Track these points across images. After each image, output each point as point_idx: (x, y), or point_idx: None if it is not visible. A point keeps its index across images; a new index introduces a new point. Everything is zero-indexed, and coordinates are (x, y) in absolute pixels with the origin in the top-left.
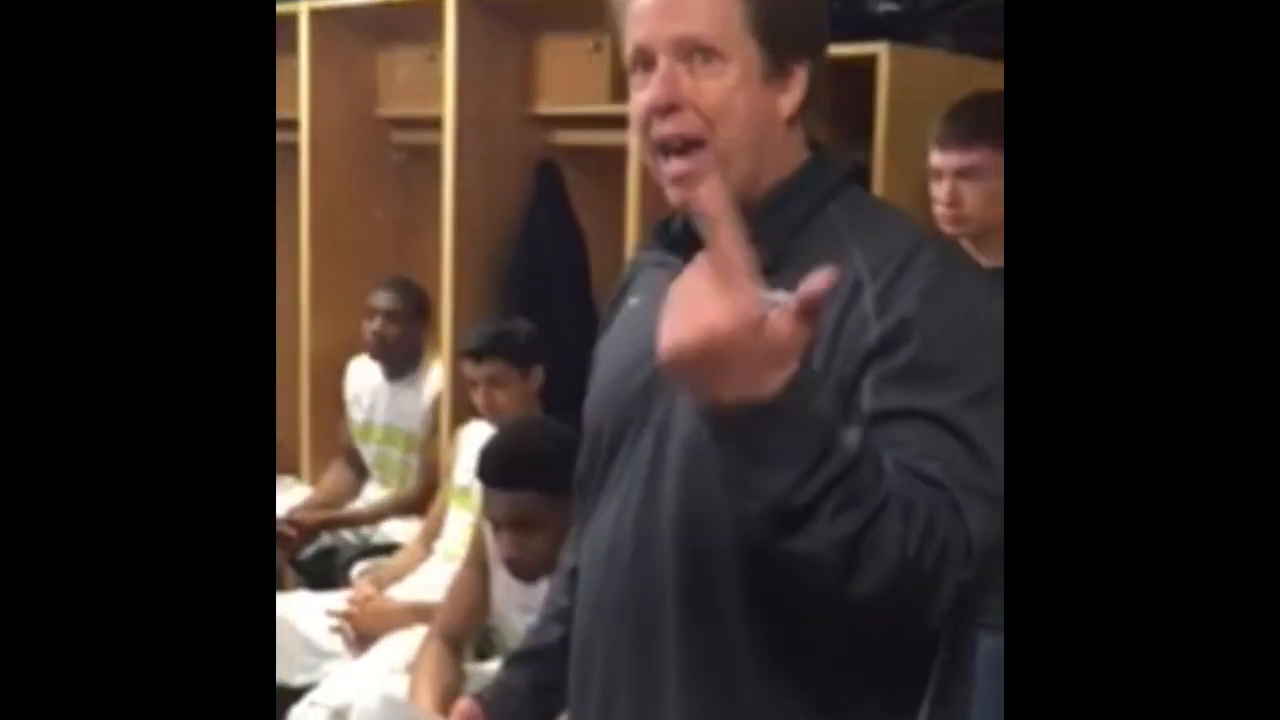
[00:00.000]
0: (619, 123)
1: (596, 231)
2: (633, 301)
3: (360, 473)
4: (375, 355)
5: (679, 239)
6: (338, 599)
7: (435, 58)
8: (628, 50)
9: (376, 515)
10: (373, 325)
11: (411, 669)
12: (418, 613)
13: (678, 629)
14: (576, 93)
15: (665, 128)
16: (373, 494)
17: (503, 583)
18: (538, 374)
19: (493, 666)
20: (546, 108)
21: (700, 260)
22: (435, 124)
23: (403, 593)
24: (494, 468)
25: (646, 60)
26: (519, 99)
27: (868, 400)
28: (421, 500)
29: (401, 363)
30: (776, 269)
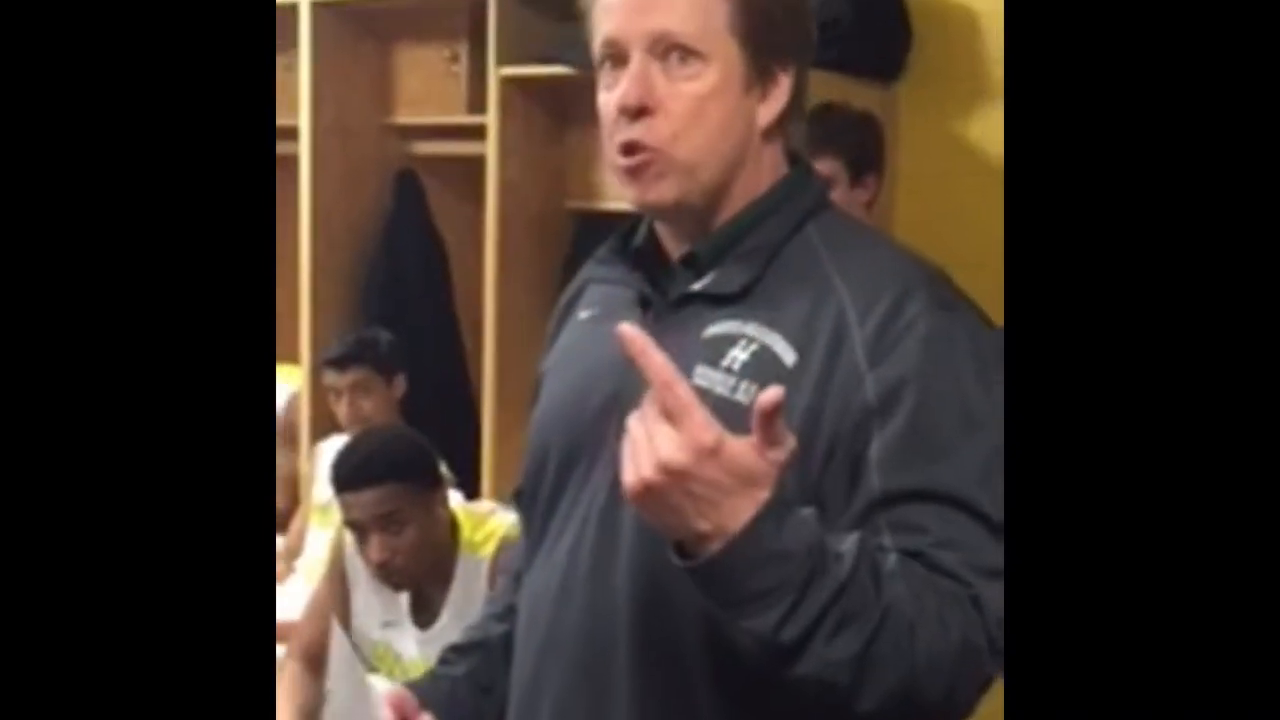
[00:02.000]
0: (477, 133)
1: (456, 241)
2: (583, 315)
3: None
4: None
5: (641, 255)
6: None
7: (291, 67)
8: (595, 43)
9: None
10: None
11: None
12: (277, 631)
13: (632, 676)
14: (435, 103)
15: (633, 132)
16: None
17: (364, 598)
18: (400, 382)
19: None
20: (404, 118)
21: (647, 395)
22: (292, 134)
23: None
24: (349, 470)
25: (617, 56)
26: (376, 109)
27: (877, 480)
28: (279, 517)
29: None
30: (751, 294)
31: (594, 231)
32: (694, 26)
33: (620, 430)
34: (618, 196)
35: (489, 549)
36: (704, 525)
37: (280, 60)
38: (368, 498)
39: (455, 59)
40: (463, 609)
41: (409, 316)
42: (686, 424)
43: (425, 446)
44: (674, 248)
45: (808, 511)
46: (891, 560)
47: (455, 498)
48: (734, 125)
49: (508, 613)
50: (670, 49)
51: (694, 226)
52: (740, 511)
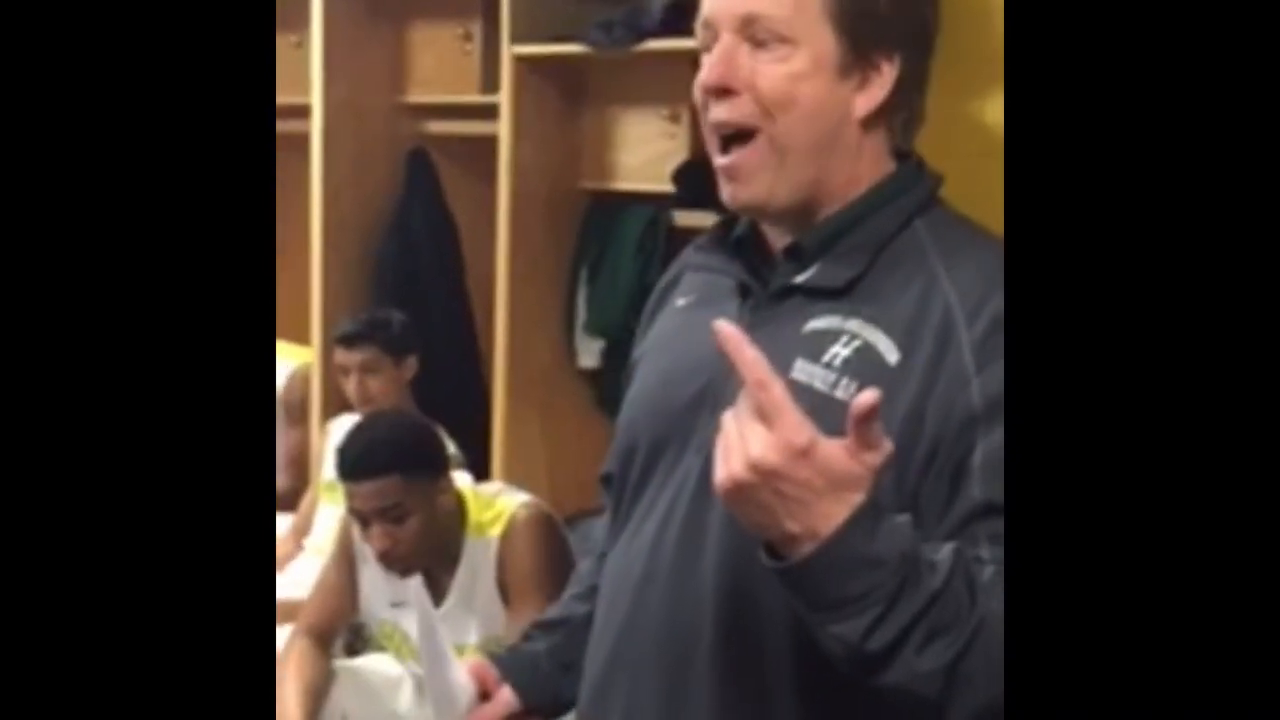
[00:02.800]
0: (490, 112)
1: (468, 221)
2: (680, 302)
3: None
4: None
5: (742, 245)
6: None
7: (302, 44)
8: (698, 23)
9: None
10: None
11: (278, 665)
12: (286, 610)
13: (712, 668)
14: (448, 82)
15: (719, 112)
16: None
17: (370, 578)
18: (411, 363)
19: (362, 663)
20: (417, 96)
21: (742, 393)
22: (303, 112)
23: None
24: (352, 460)
25: (711, 36)
26: (389, 87)
27: (978, 489)
28: (288, 495)
29: None
30: (855, 290)
31: (607, 212)
32: (784, 10)
33: (712, 421)
34: (631, 177)
35: (496, 530)
36: (794, 527)
37: (291, 38)
38: (369, 489)
39: (469, 37)
40: (470, 589)
41: (421, 296)
42: (779, 423)
43: (431, 433)
44: (776, 239)
45: (903, 518)
46: (989, 573)
47: (464, 478)
48: (825, 111)
49: (590, 593)
50: (760, 31)
51: (796, 220)
52: (832, 515)
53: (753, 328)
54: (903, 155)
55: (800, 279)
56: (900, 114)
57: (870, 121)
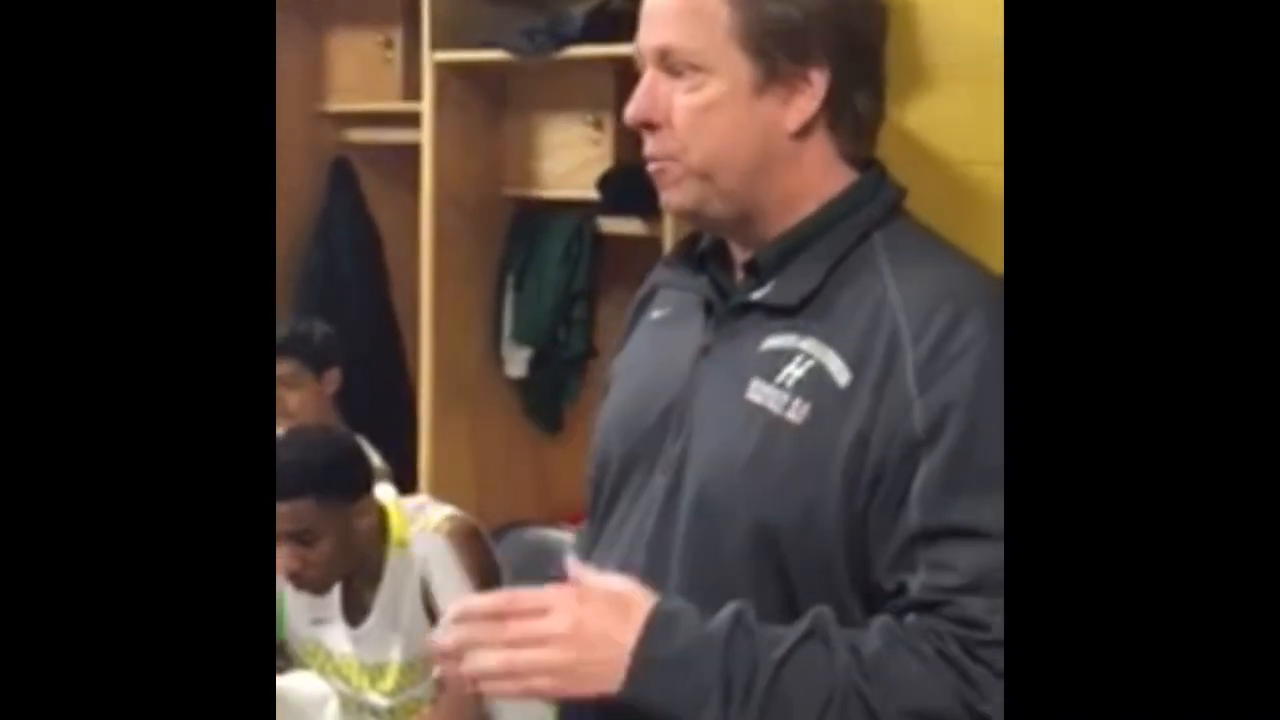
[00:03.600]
0: (412, 120)
1: (391, 230)
2: (655, 315)
3: None
4: None
5: (706, 259)
6: None
7: None
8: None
9: None
10: None
11: None
12: None
13: None
14: (369, 89)
15: (647, 145)
16: None
17: (290, 595)
18: (333, 377)
19: (285, 682)
20: (338, 105)
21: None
22: None
23: None
24: None
25: (641, 67)
26: (310, 96)
27: (915, 515)
28: None
29: None
30: (809, 307)
31: (533, 219)
32: (694, 41)
33: (675, 442)
34: (556, 184)
35: (420, 544)
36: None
37: None
38: (280, 511)
39: (389, 44)
40: (394, 606)
41: (344, 306)
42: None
43: (352, 452)
44: (739, 253)
45: (688, 611)
46: (876, 627)
47: (388, 491)
48: (745, 133)
49: None
50: (675, 63)
51: (744, 231)
52: (626, 641)
53: (714, 345)
54: (868, 164)
55: (757, 296)
56: (844, 121)
57: (806, 132)
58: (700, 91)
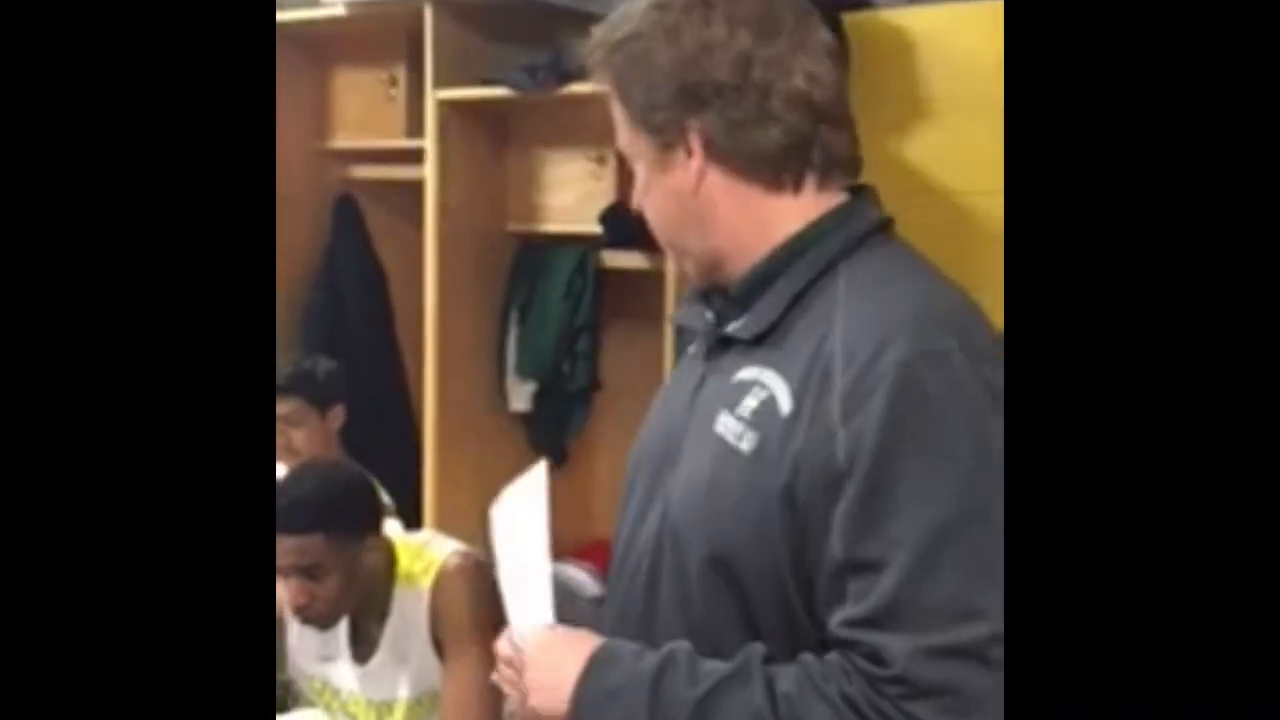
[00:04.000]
0: (416, 156)
1: (395, 266)
2: (690, 349)
3: None
4: None
5: (710, 296)
6: None
7: None
8: None
9: None
10: None
11: None
12: None
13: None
14: (373, 127)
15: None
16: None
17: (296, 632)
18: (338, 413)
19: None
20: (343, 142)
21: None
22: None
23: None
24: (278, 512)
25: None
26: (314, 133)
27: (837, 546)
28: None
29: None
30: (771, 339)
31: (536, 254)
32: (623, 137)
33: (669, 476)
34: (558, 219)
35: (428, 580)
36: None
37: None
38: (288, 545)
39: (393, 82)
40: (401, 642)
41: (349, 342)
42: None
43: (362, 488)
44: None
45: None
46: (794, 667)
47: (394, 527)
48: (670, 201)
49: None
50: (630, 159)
51: (730, 272)
52: (571, 677)
53: (706, 377)
54: (856, 190)
55: (731, 329)
56: (744, 160)
57: (711, 182)
58: (639, 179)
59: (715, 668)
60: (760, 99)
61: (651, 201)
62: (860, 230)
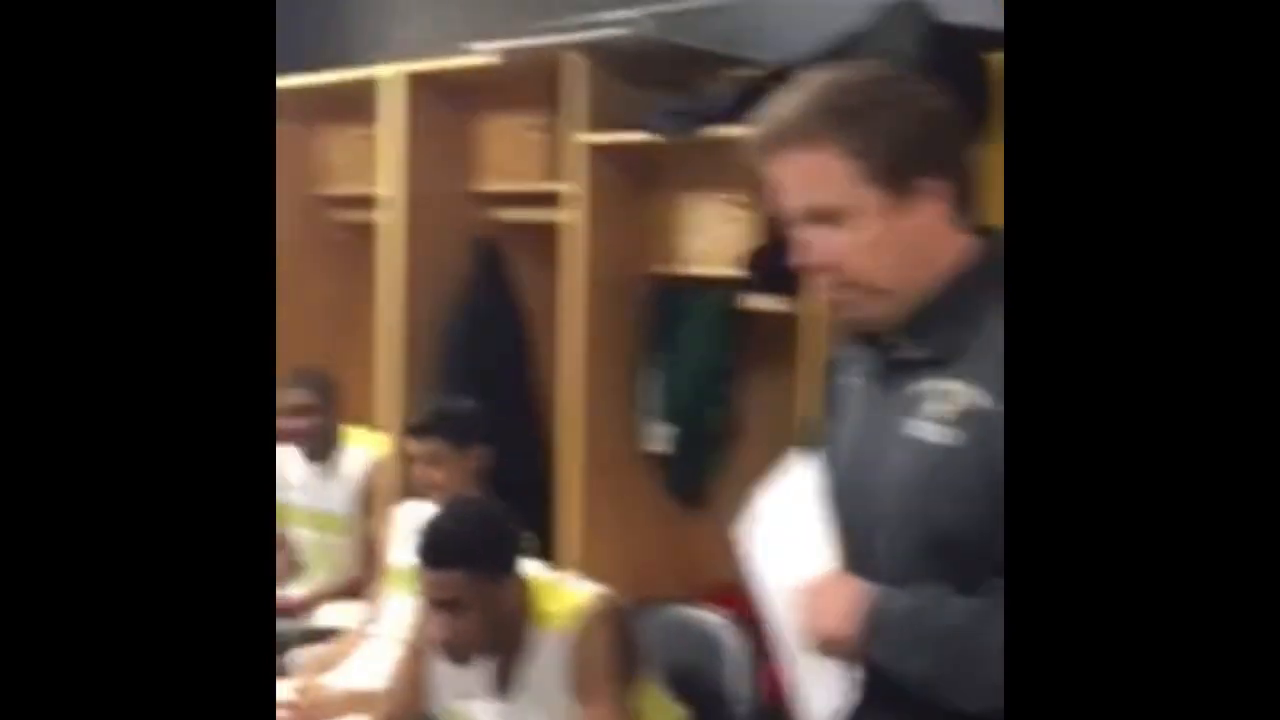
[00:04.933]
0: (561, 200)
1: (539, 309)
2: (849, 382)
3: (288, 558)
4: (299, 448)
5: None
6: (278, 688)
7: (368, 137)
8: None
9: (312, 601)
10: (293, 423)
11: None
12: (355, 700)
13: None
14: (518, 170)
15: (818, 280)
16: (305, 579)
17: (440, 669)
18: (478, 453)
19: None
20: (489, 185)
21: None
22: (367, 203)
23: (341, 679)
24: (424, 547)
25: (789, 222)
26: (462, 176)
27: None
28: (356, 583)
29: (321, 448)
30: (948, 363)
31: (675, 296)
32: (834, 194)
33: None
34: (700, 261)
35: (566, 621)
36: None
37: (360, 131)
38: (434, 579)
39: (539, 126)
40: (539, 682)
41: (491, 383)
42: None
43: (506, 528)
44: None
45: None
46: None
47: (534, 567)
48: (904, 243)
49: None
50: (821, 216)
51: (900, 309)
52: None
53: (873, 396)
54: (984, 231)
55: (908, 354)
56: (966, 205)
57: (929, 230)
58: (850, 231)
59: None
60: (963, 151)
61: (876, 249)
62: (999, 256)
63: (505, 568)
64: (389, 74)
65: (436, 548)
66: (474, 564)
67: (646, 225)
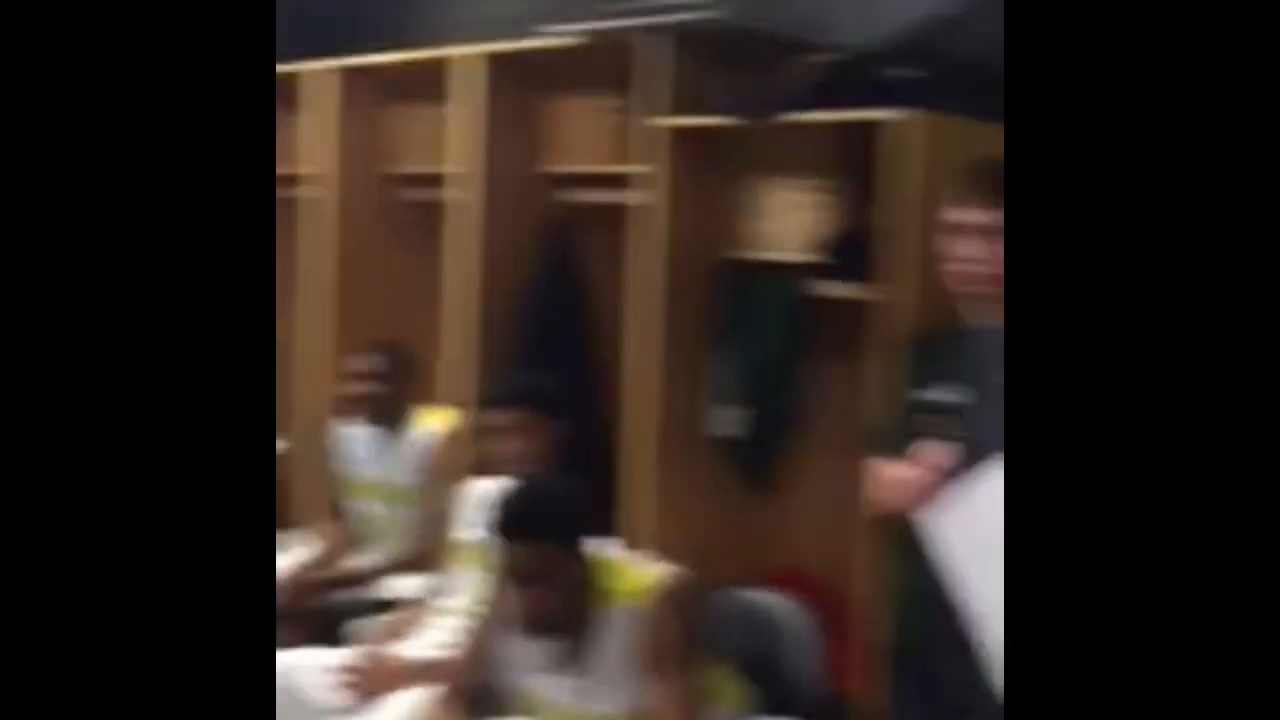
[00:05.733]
0: (638, 181)
1: (611, 291)
2: None
3: (355, 529)
4: (365, 414)
5: None
6: (339, 657)
7: (439, 116)
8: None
9: (377, 572)
10: (360, 387)
11: None
12: (423, 671)
13: None
14: (594, 152)
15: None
16: (370, 550)
17: (517, 643)
18: (561, 426)
19: None
20: (565, 166)
21: None
22: (435, 181)
23: (408, 650)
24: (510, 519)
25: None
26: (538, 157)
27: None
28: (422, 556)
29: (391, 420)
30: None
31: (747, 280)
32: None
33: None
34: (774, 246)
35: (637, 598)
36: None
37: (432, 111)
38: (519, 551)
39: (612, 109)
40: (608, 658)
41: (559, 361)
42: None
43: (583, 501)
44: None
45: None
46: None
47: (602, 545)
48: None
49: None
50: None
51: None
52: None
53: None
54: None
55: None
56: None
57: None
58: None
59: None
60: None
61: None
62: None
63: (578, 542)
64: (466, 54)
65: (521, 519)
66: (557, 537)
67: (721, 209)
